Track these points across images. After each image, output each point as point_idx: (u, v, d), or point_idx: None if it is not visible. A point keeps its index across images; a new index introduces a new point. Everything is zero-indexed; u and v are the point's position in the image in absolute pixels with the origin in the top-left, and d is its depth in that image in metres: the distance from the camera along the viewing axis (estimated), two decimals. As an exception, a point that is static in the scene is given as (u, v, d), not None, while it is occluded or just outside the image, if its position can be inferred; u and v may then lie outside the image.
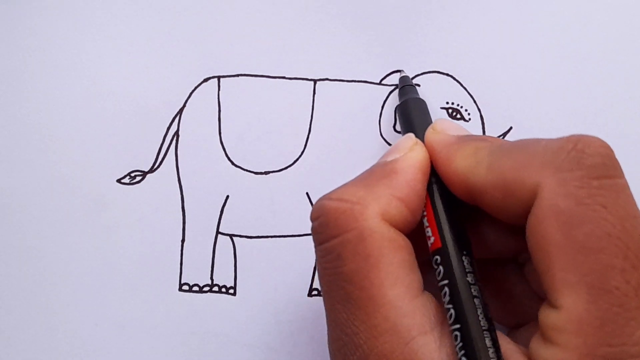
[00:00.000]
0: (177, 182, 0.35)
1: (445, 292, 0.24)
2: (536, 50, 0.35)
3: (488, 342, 0.23)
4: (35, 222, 0.35)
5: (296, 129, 0.36)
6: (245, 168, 0.35)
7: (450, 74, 0.36)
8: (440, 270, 0.25)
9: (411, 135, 0.28)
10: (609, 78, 0.35)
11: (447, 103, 0.35)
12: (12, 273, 0.35)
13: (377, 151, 0.35)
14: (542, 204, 0.22)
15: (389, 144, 0.35)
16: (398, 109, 0.33)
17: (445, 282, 0.24)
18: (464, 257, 0.25)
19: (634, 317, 0.21)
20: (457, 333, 0.23)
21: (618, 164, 0.23)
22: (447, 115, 0.35)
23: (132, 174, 0.36)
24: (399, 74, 0.35)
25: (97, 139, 0.36)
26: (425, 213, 0.26)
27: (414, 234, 0.26)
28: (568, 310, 0.21)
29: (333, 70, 0.36)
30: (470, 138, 0.27)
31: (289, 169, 0.35)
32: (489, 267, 0.29)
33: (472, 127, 0.35)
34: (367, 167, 0.36)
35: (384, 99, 0.36)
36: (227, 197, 0.35)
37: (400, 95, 0.34)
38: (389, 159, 0.27)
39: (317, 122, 0.36)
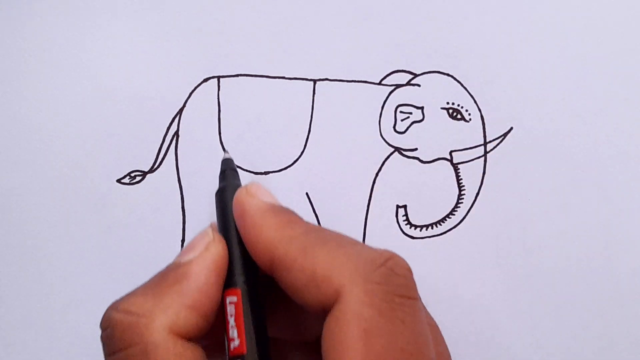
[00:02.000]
0: (177, 182, 0.35)
1: None
2: (536, 50, 0.35)
3: None
4: (35, 222, 0.35)
5: (296, 129, 0.36)
6: (245, 168, 0.35)
7: (450, 74, 0.36)
8: None
9: (208, 230, 0.27)
10: (609, 78, 0.35)
11: (448, 103, 0.35)
12: (12, 273, 0.35)
13: (377, 151, 0.35)
14: (346, 309, 0.22)
15: (389, 144, 0.35)
16: (217, 195, 0.30)
17: None
18: None
19: None
20: None
21: (415, 284, 0.24)
22: (447, 115, 0.35)
23: (132, 174, 0.36)
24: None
25: (97, 139, 0.36)
26: (231, 312, 0.25)
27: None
28: None
29: (333, 70, 0.36)
30: (284, 210, 0.27)
31: (289, 169, 0.35)
32: (284, 346, 0.29)
33: (472, 127, 0.35)
34: (367, 167, 0.36)
35: (384, 99, 0.36)
36: (227, 197, 0.35)
37: (220, 180, 0.31)
38: (184, 259, 0.26)
39: (317, 122, 0.36)
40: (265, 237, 0.25)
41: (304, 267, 0.24)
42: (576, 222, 0.34)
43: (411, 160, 0.35)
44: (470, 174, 0.35)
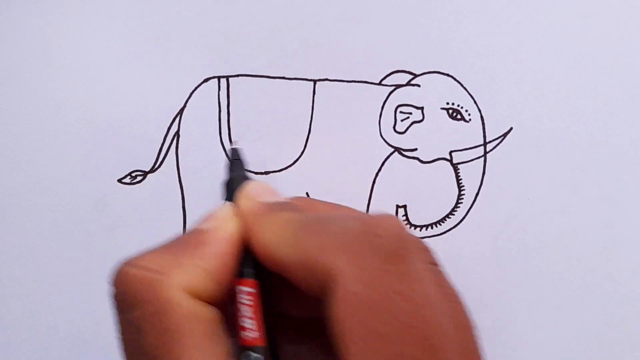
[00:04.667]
0: (177, 182, 0.35)
1: None
2: (536, 50, 0.35)
3: None
4: (35, 222, 0.35)
5: (296, 129, 0.36)
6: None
7: (450, 74, 0.36)
8: None
9: (229, 204, 0.27)
10: (608, 78, 0.35)
11: (447, 103, 0.35)
12: (12, 273, 0.35)
13: (377, 151, 0.35)
14: (340, 291, 0.22)
15: (389, 144, 0.35)
16: (225, 185, 0.30)
17: None
18: None
19: None
20: None
21: (409, 240, 0.23)
22: (447, 115, 0.35)
23: (133, 174, 0.36)
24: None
25: (98, 139, 0.36)
26: (246, 300, 0.25)
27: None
28: None
29: (333, 70, 0.36)
30: (280, 207, 0.26)
31: (289, 169, 0.36)
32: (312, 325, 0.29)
33: (472, 127, 0.35)
34: (367, 167, 0.36)
35: (384, 99, 0.36)
36: (228, 197, 0.35)
37: (229, 170, 0.32)
38: (203, 226, 0.26)
39: (317, 122, 0.36)
40: (261, 241, 0.25)
41: (297, 261, 0.23)
42: (576, 222, 0.34)
43: (411, 160, 0.35)
44: (470, 174, 0.35)
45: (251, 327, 0.24)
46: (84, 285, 0.35)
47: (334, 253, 0.22)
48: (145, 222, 0.35)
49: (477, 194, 0.35)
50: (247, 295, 0.25)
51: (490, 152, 0.35)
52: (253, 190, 0.27)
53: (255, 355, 0.24)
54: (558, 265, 0.34)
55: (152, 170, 0.36)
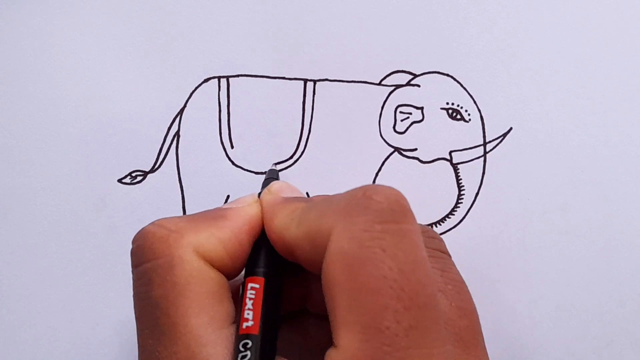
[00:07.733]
0: (177, 182, 0.35)
1: None
2: (536, 50, 0.35)
3: None
4: (35, 222, 0.35)
5: (296, 129, 0.36)
6: (245, 168, 0.36)
7: (450, 74, 0.36)
8: (247, 355, 0.24)
9: (254, 193, 0.29)
10: (609, 78, 0.35)
11: (447, 103, 0.35)
12: (12, 273, 0.35)
13: (377, 151, 0.35)
14: (331, 247, 0.23)
15: (389, 144, 0.35)
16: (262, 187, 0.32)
17: None
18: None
19: (402, 356, 0.21)
20: None
21: (407, 210, 0.23)
22: (447, 115, 0.35)
23: (133, 174, 0.36)
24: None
25: (98, 139, 0.36)
26: (250, 294, 0.26)
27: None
28: (344, 348, 0.22)
29: (333, 70, 0.36)
30: (295, 199, 0.28)
31: (289, 169, 0.36)
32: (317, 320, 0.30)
33: (472, 127, 0.35)
34: (367, 167, 0.36)
35: (384, 99, 0.36)
36: (228, 196, 0.35)
37: (262, 186, 0.33)
38: (225, 206, 0.28)
39: (317, 122, 0.36)
40: (275, 226, 0.26)
41: (302, 236, 0.25)
42: (576, 222, 0.35)
43: (411, 160, 0.35)
44: (469, 174, 0.35)
45: (250, 317, 0.25)
46: (84, 285, 0.35)
47: (332, 217, 0.23)
48: (145, 222, 0.35)
49: (477, 194, 0.35)
50: (252, 290, 0.26)
51: (490, 152, 0.35)
52: (276, 187, 0.29)
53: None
54: (558, 265, 0.34)
55: (152, 170, 0.36)
